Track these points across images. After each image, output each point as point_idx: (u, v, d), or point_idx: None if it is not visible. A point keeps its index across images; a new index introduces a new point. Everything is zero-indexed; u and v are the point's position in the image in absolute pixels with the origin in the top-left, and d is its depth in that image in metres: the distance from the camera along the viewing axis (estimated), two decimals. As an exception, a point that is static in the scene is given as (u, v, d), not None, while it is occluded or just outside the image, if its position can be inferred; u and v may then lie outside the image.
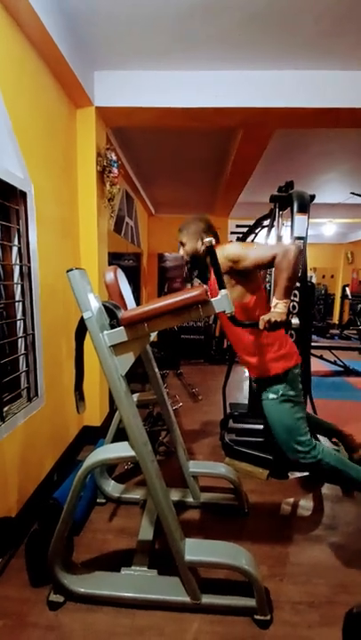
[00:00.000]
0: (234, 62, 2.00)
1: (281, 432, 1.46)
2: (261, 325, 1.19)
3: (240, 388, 3.72)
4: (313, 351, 4.34)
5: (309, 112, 2.14)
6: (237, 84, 2.09)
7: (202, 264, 1.52)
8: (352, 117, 2.21)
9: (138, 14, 1.64)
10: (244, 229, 2.95)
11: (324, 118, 2.23)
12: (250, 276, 1.40)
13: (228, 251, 1.34)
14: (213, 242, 1.07)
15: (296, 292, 1.94)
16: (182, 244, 1.52)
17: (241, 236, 2.87)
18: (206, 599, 1.20)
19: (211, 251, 1.08)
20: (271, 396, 1.45)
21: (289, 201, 1.97)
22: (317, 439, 1.95)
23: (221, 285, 1.10)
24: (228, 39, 1.80)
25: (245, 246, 1.38)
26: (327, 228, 6.69)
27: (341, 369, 4.52)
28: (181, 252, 1.53)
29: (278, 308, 1.21)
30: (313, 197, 1.95)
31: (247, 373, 1.57)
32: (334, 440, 2.03)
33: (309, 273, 8.77)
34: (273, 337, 1.43)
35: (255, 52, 1.90)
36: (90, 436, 2.35)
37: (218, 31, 1.74)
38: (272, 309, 1.23)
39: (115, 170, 2.27)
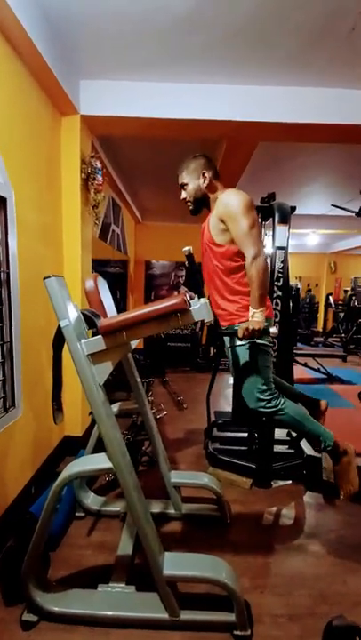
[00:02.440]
0: (217, 76, 2.05)
1: (245, 379, 1.44)
2: (240, 334, 1.20)
3: (225, 395, 3.72)
4: (297, 359, 4.40)
5: (291, 126, 2.20)
6: (221, 98, 2.13)
7: (206, 204, 1.51)
8: (331, 133, 2.29)
9: (124, 26, 1.66)
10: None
11: (305, 133, 2.30)
12: None
13: (230, 203, 1.33)
14: (191, 250, 1.07)
15: (278, 300, 1.96)
16: (183, 187, 1.50)
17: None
18: (185, 615, 1.17)
19: (189, 259, 1.08)
20: (239, 342, 1.42)
21: (271, 212, 2.01)
22: None
23: (201, 294, 1.10)
24: (212, 53, 1.85)
25: (246, 212, 1.32)
26: (311, 239, 6.86)
27: (325, 376, 4.59)
28: (183, 194, 1.51)
29: (256, 317, 1.23)
30: (294, 209, 2.00)
31: (231, 381, 1.56)
32: None
33: (295, 281, 9.01)
34: (247, 286, 1.40)
35: (238, 66, 1.95)
36: (71, 447, 2.29)
37: (201, 45, 1.78)
38: (250, 319, 1.24)
39: (99, 177, 2.27)
